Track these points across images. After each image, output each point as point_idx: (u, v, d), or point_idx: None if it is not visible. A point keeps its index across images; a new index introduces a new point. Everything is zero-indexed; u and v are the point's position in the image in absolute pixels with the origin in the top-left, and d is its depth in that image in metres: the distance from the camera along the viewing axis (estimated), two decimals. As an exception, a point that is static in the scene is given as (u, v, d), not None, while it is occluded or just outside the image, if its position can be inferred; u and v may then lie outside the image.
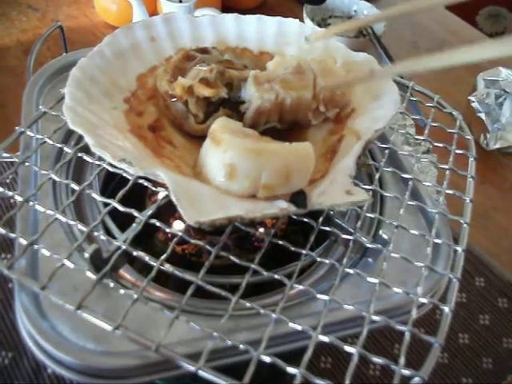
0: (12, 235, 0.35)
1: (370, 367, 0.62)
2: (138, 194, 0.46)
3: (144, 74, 0.44)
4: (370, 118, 0.42)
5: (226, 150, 0.34)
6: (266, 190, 0.35)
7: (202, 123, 0.40)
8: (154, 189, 0.37)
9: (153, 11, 0.91)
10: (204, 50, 0.45)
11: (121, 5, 0.89)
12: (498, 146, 0.84)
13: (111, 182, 0.47)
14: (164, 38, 0.46)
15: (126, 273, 0.39)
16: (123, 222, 0.40)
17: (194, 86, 0.39)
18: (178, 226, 0.43)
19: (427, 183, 0.44)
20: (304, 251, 0.36)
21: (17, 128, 0.41)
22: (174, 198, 0.32)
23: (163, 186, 0.35)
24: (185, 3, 0.79)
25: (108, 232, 0.42)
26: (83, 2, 1.01)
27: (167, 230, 0.35)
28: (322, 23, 0.96)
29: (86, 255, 0.33)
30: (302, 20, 0.56)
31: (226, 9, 0.94)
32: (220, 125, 0.36)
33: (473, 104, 0.86)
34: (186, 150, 0.39)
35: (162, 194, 0.45)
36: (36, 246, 0.34)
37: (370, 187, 0.40)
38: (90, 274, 0.32)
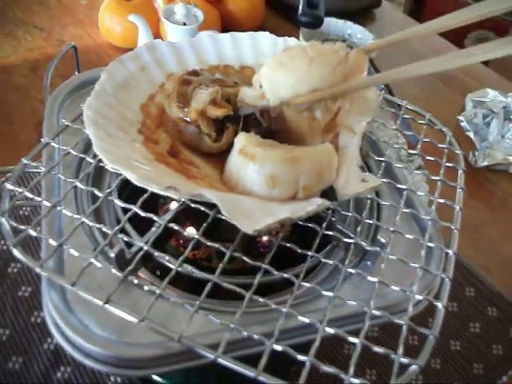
0: (42, 236, 0.38)
1: (367, 372, 0.64)
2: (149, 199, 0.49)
3: (145, 103, 0.46)
4: (358, 113, 0.46)
5: (262, 163, 0.38)
6: (305, 190, 0.38)
7: (216, 141, 0.43)
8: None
9: (155, 32, 0.95)
10: (195, 73, 0.47)
11: (125, 26, 0.93)
12: (485, 163, 0.88)
13: (126, 188, 0.49)
14: (152, 66, 0.49)
15: (142, 273, 0.42)
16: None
17: (206, 108, 0.42)
18: (191, 232, 0.46)
19: (420, 193, 0.47)
20: (310, 253, 0.39)
21: (42, 140, 0.44)
22: (226, 214, 0.35)
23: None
24: (188, 26, 0.83)
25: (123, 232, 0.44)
26: (88, 23, 1.05)
27: (185, 234, 0.38)
28: (318, 45, 1.00)
29: (112, 255, 0.36)
30: None
31: (226, 31, 0.98)
32: (247, 141, 0.39)
33: (462, 123, 0.90)
34: (208, 169, 0.42)
35: (174, 203, 0.49)
36: (65, 247, 0.37)
37: (368, 197, 0.43)
38: (116, 272, 0.35)
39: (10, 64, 0.94)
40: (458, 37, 1.48)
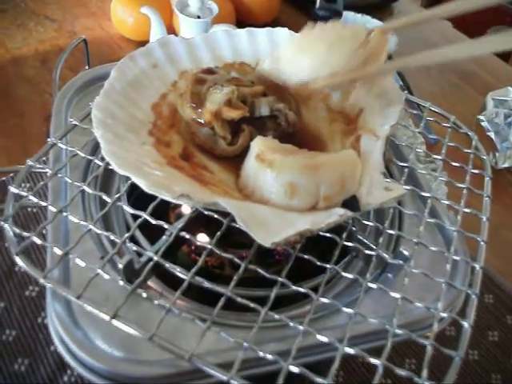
0: (47, 244, 0.36)
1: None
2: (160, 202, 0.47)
3: (157, 103, 0.44)
4: (380, 116, 0.44)
5: (281, 171, 0.36)
6: (326, 200, 0.36)
7: (231, 144, 0.41)
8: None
9: (168, 24, 0.93)
10: (210, 71, 0.45)
11: (137, 18, 0.91)
12: (506, 164, 0.85)
13: (135, 190, 0.48)
14: (165, 63, 0.47)
15: (150, 281, 0.40)
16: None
17: (221, 110, 0.40)
18: (203, 239, 0.44)
19: (445, 201, 0.45)
20: (329, 266, 0.37)
21: (48, 140, 0.43)
22: (242, 225, 0.33)
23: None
24: (203, 19, 0.81)
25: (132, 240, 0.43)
26: (100, 15, 1.03)
27: (198, 243, 0.36)
28: (334, 40, 0.98)
29: (120, 266, 0.34)
30: None
31: (239, 24, 0.96)
32: (265, 146, 0.37)
33: (482, 123, 0.87)
34: (221, 173, 0.40)
35: (186, 207, 0.47)
36: (71, 256, 0.35)
37: (391, 205, 0.41)
38: (125, 285, 0.33)
39: (21, 55, 0.92)
40: (477, 32, 1.44)
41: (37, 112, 0.83)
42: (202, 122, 0.40)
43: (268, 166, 0.36)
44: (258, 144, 0.37)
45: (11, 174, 0.72)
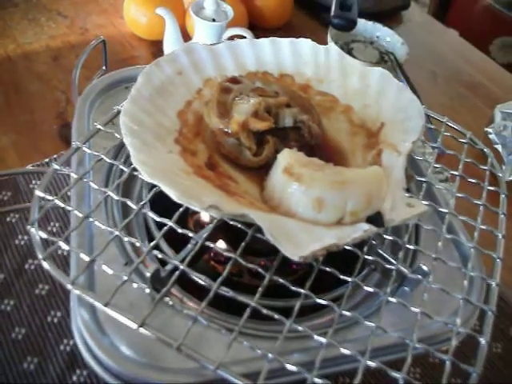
0: (73, 250, 0.36)
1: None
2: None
3: (183, 110, 0.44)
4: (401, 131, 0.44)
5: (310, 186, 0.36)
6: (352, 215, 0.37)
7: (256, 155, 0.41)
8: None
9: (181, 25, 0.93)
10: (235, 80, 0.46)
11: (151, 18, 0.91)
12: (512, 177, 0.86)
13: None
14: (189, 70, 0.47)
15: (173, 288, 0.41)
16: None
17: (248, 121, 0.40)
18: (224, 247, 0.44)
19: (462, 217, 0.45)
20: (351, 279, 0.38)
21: (73, 144, 0.43)
22: (270, 238, 0.33)
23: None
24: (218, 22, 0.81)
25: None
26: (112, 12, 1.02)
27: (225, 254, 0.36)
28: (345, 47, 0.98)
29: (148, 274, 0.35)
30: (325, 42, 0.57)
31: (251, 27, 0.96)
32: (294, 159, 0.37)
33: (490, 136, 0.88)
34: (246, 184, 0.40)
35: (206, 214, 0.47)
36: (97, 262, 0.35)
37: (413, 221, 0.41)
38: (152, 293, 0.34)
39: (32, 51, 0.92)
40: (483, 42, 1.45)
41: (48, 109, 0.83)
42: (229, 131, 0.41)
43: (296, 180, 0.36)
44: (286, 157, 0.38)
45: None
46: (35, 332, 0.60)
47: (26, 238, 0.66)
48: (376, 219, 0.37)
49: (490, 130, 0.89)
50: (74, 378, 0.57)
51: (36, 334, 0.60)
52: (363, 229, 0.36)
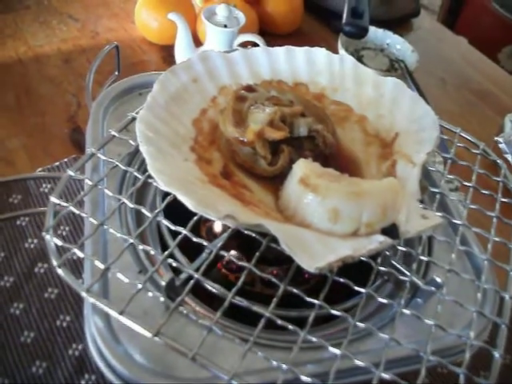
0: (88, 257, 0.36)
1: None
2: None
3: (198, 118, 0.44)
4: (415, 141, 0.44)
5: (325, 196, 0.36)
6: (368, 227, 0.37)
7: (270, 164, 0.41)
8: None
9: (193, 31, 0.93)
10: (250, 88, 0.46)
11: (162, 22, 0.91)
12: (522, 187, 0.85)
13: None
14: (204, 77, 0.47)
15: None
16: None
17: (264, 130, 0.40)
18: (236, 255, 0.44)
19: (476, 229, 0.45)
20: (364, 290, 0.37)
21: (87, 150, 0.43)
22: (286, 248, 0.33)
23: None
24: (230, 28, 0.81)
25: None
26: (123, 16, 1.03)
27: (239, 264, 0.36)
28: (355, 54, 0.98)
29: (163, 283, 0.35)
30: (335, 49, 0.57)
31: (262, 33, 0.96)
32: (310, 170, 0.37)
33: (500, 145, 0.87)
34: (261, 193, 0.40)
35: (219, 223, 0.47)
36: (111, 271, 0.35)
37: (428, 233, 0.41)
38: (166, 302, 0.34)
39: (43, 54, 0.92)
40: (492, 50, 1.45)
41: (59, 112, 0.83)
42: (244, 140, 0.41)
43: (312, 191, 0.36)
44: (302, 167, 0.38)
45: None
46: (44, 336, 0.60)
47: (35, 241, 0.66)
48: (391, 231, 0.37)
49: (500, 140, 0.88)
50: (83, 383, 0.58)
51: (45, 338, 0.60)
52: (379, 240, 0.36)
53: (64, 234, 0.68)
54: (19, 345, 0.59)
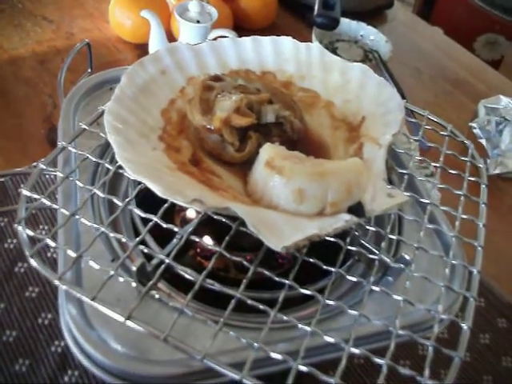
0: (60, 247, 0.37)
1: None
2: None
3: (166, 109, 0.45)
4: (382, 124, 0.45)
5: (290, 178, 0.37)
6: (333, 206, 0.37)
7: (239, 150, 0.42)
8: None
9: (167, 28, 0.94)
10: (217, 78, 0.46)
11: (136, 21, 0.91)
12: (497, 171, 0.87)
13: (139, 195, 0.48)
14: (173, 69, 0.47)
15: (160, 284, 0.41)
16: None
17: (230, 117, 0.41)
18: (210, 242, 0.45)
19: (443, 208, 0.46)
20: (334, 269, 0.38)
21: (59, 144, 0.43)
22: (253, 230, 0.34)
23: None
24: (202, 24, 0.82)
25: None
26: (97, 16, 1.03)
27: (208, 247, 0.37)
28: (330, 46, 0.99)
29: (134, 268, 0.35)
30: (310, 42, 0.58)
31: (236, 28, 0.97)
32: (274, 153, 0.38)
33: (474, 130, 0.89)
34: (230, 179, 0.41)
35: (191, 211, 0.48)
36: (83, 258, 0.36)
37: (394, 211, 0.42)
38: (138, 287, 0.34)
39: (18, 56, 0.92)
40: (467, 40, 1.47)
41: (35, 113, 0.83)
42: (212, 128, 0.42)
43: (278, 173, 0.37)
44: (268, 151, 0.39)
45: (10, 176, 0.72)
46: (26, 334, 0.60)
47: (15, 241, 0.66)
48: (357, 210, 0.38)
49: (474, 125, 0.90)
50: (66, 379, 0.58)
51: (27, 336, 0.60)
52: (344, 219, 0.36)
53: (44, 233, 0.68)
54: (1, 344, 0.59)
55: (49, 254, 0.65)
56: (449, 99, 1.06)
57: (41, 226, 0.68)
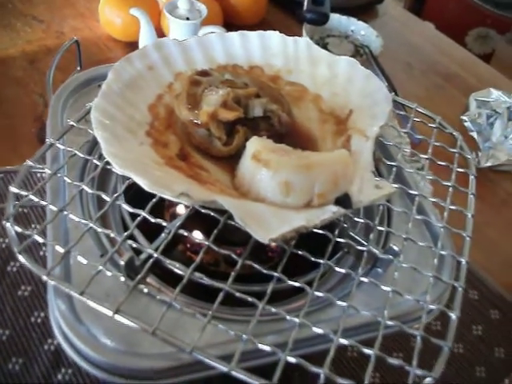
0: (48, 242, 0.37)
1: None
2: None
3: (153, 104, 0.45)
4: (369, 116, 0.45)
5: (277, 170, 0.37)
6: (320, 198, 0.38)
7: (226, 144, 0.42)
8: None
9: (156, 25, 0.94)
10: (205, 73, 0.46)
11: (126, 19, 0.91)
12: (489, 164, 0.87)
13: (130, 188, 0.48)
14: (160, 65, 0.47)
15: (149, 279, 0.41)
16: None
17: (217, 111, 0.41)
18: (199, 237, 0.45)
19: (432, 199, 0.47)
20: (323, 261, 0.38)
21: (47, 140, 0.43)
22: (240, 223, 0.34)
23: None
24: (192, 21, 0.82)
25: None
26: (88, 15, 1.03)
27: (196, 241, 0.37)
28: (321, 41, 0.99)
29: (122, 263, 0.35)
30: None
31: (226, 25, 0.97)
32: (261, 146, 0.38)
33: (465, 123, 0.89)
34: (218, 173, 0.41)
35: (181, 207, 0.48)
36: (72, 254, 0.36)
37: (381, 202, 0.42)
38: (126, 281, 0.34)
39: (8, 56, 0.92)
40: (459, 34, 1.48)
41: (26, 113, 0.83)
42: (199, 123, 0.42)
43: (264, 166, 0.37)
44: (254, 144, 0.39)
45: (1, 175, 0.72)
46: (19, 333, 0.60)
47: (6, 240, 0.66)
48: (344, 201, 0.38)
49: (465, 118, 0.90)
50: (59, 377, 0.58)
51: (20, 335, 0.60)
52: (332, 210, 0.37)
53: (35, 232, 0.68)
54: (-6, 343, 0.59)
55: (41, 253, 0.65)
56: (440, 93, 1.06)
57: (33, 225, 0.68)
